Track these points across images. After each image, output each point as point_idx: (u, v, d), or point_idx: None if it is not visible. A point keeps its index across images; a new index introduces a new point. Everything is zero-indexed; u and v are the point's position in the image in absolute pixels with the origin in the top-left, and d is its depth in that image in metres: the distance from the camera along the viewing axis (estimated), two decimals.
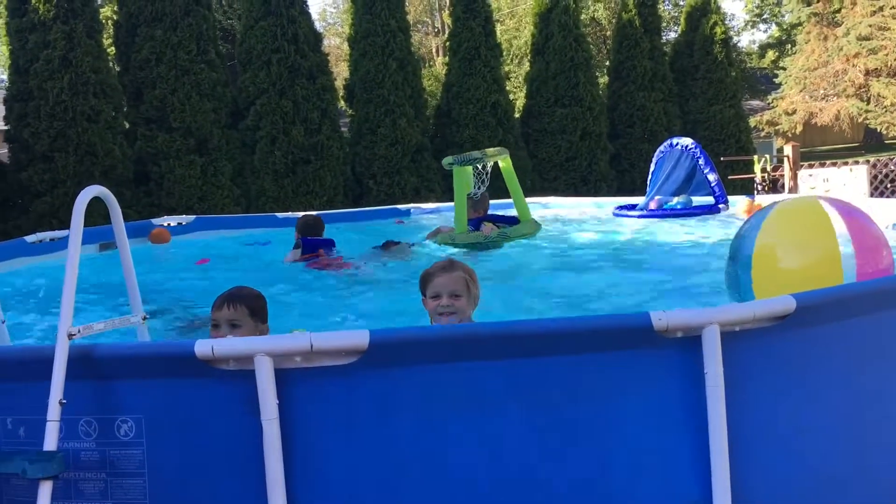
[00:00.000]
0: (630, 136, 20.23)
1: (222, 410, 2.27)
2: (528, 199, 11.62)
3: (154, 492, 2.28)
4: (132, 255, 2.85)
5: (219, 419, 2.28)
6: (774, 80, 35.14)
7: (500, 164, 8.06)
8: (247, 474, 2.23)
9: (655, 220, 8.97)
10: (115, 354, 2.34)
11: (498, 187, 8.78)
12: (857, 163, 16.07)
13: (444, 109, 18.52)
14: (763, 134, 31.53)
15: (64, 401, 2.21)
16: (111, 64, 15.59)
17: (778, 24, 41.18)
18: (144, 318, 2.82)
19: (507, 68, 25.46)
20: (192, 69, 15.35)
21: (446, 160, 8.03)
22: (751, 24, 43.19)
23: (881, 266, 3.13)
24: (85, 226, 2.49)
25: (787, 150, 16.55)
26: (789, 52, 36.28)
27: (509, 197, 8.18)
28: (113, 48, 16.49)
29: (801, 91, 31.69)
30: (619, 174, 20.07)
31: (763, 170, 16.89)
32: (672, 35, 31.43)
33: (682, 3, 33.41)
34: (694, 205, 9.22)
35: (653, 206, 9.38)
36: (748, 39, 51.66)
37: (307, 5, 16.87)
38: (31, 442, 2.30)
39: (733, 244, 3.48)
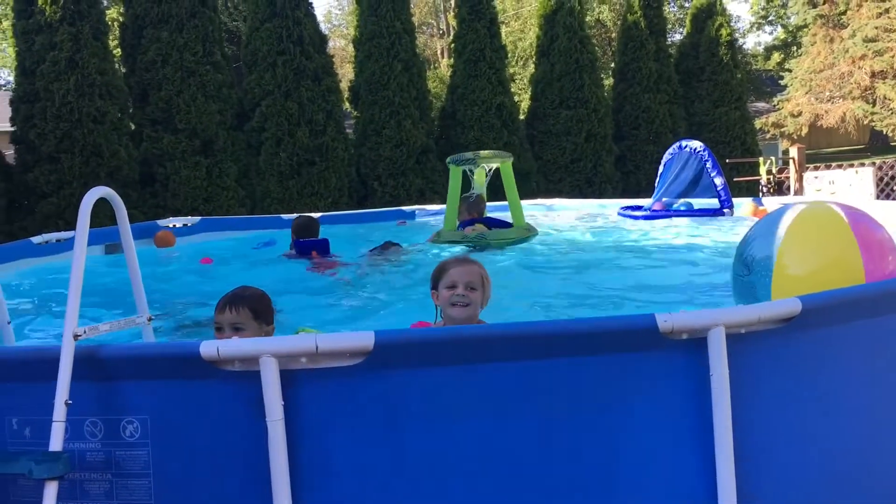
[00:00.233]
0: (635, 138, 20.21)
1: (227, 411, 2.27)
2: (532, 201, 11.66)
3: (159, 493, 2.29)
4: (137, 256, 2.85)
5: (224, 420, 2.28)
6: (780, 82, 35.09)
7: (500, 168, 8.08)
8: (252, 475, 2.23)
9: (660, 221, 8.97)
10: (120, 355, 2.34)
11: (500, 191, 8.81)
12: (862, 165, 16.04)
13: (449, 111, 18.52)
14: (768, 136, 31.48)
15: (70, 401, 2.21)
16: (117, 65, 15.63)
17: (783, 26, 41.14)
18: (150, 319, 2.82)
19: (511, 70, 25.48)
20: (197, 71, 15.38)
21: (448, 159, 8.10)
22: (756, 25, 43.14)
23: (888, 271, 3.11)
24: (90, 227, 2.49)
25: (793, 152, 16.52)
26: (795, 54, 36.22)
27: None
28: (119, 50, 16.52)
29: (806, 93, 31.64)
30: (624, 176, 20.05)
31: (768, 172, 16.85)
32: (677, 37, 31.40)
33: (687, 4, 33.40)
34: (697, 207, 9.22)
35: (658, 207, 9.38)
36: (753, 41, 51.60)
37: (312, 7, 16.90)
38: (36, 442, 2.30)
39: (745, 250, 3.42)
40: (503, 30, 20.11)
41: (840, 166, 16.22)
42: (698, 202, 9.33)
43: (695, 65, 21.39)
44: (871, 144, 35.08)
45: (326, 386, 2.24)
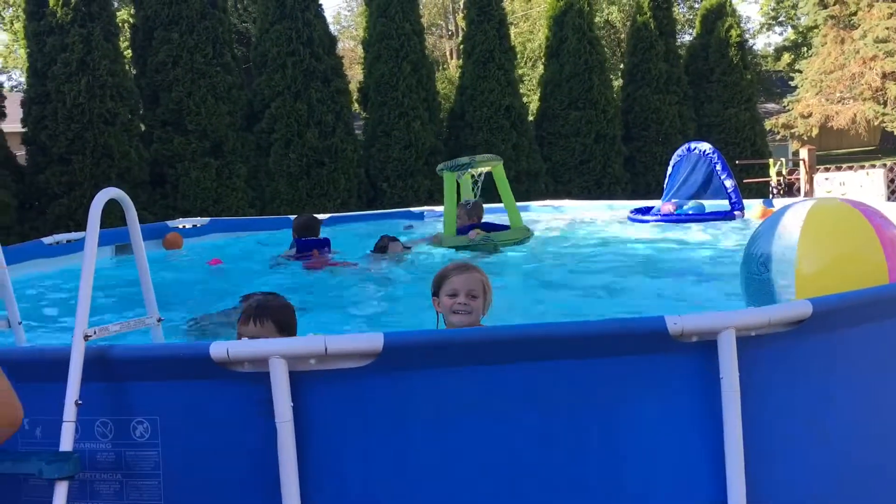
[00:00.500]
0: (644, 139, 20.17)
1: (237, 412, 2.28)
2: (541, 202, 11.65)
3: (169, 493, 2.29)
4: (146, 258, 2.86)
5: (233, 421, 2.28)
6: (790, 83, 34.94)
7: (493, 171, 8.08)
8: (261, 476, 2.23)
9: (670, 224, 8.94)
10: (130, 356, 2.35)
11: (491, 195, 8.83)
12: (873, 166, 15.96)
13: (458, 112, 18.53)
14: (778, 137, 31.36)
15: (80, 401, 2.22)
16: (128, 67, 15.69)
17: (793, 27, 40.96)
18: (159, 320, 2.83)
19: (520, 71, 25.47)
20: (207, 72, 15.44)
21: (439, 166, 8.11)
22: (766, 26, 42.98)
23: None
24: (101, 228, 2.50)
25: (803, 153, 16.46)
26: (805, 55, 36.06)
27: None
28: (129, 51, 16.60)
29: (817, 94, 31.49)
30: (633, 177, 20.02)
31: (778, 173, 16.80)
32: (687, 38, 31.32)
33: (696, 5, 33.30)
34: (708, 210, 9.19)
35: (668, 208, 9.35)
36: (763, 42, 51.44)
37: (322, 9, 16.94)
38: (47, 442, 2.31)
39: (758, 249, 3.39)
40: (512, 31, 20.09)
41: (851, 168, 16.15)
42: (709, 203, 9.30)
43: (704, 66, 21.33)
44: (882, 146, 34.88)
45: (335, 387, 2.24)
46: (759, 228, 3.58)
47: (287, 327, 2.94)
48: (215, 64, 15.59)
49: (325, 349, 2.19)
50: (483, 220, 8.15)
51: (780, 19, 42.17)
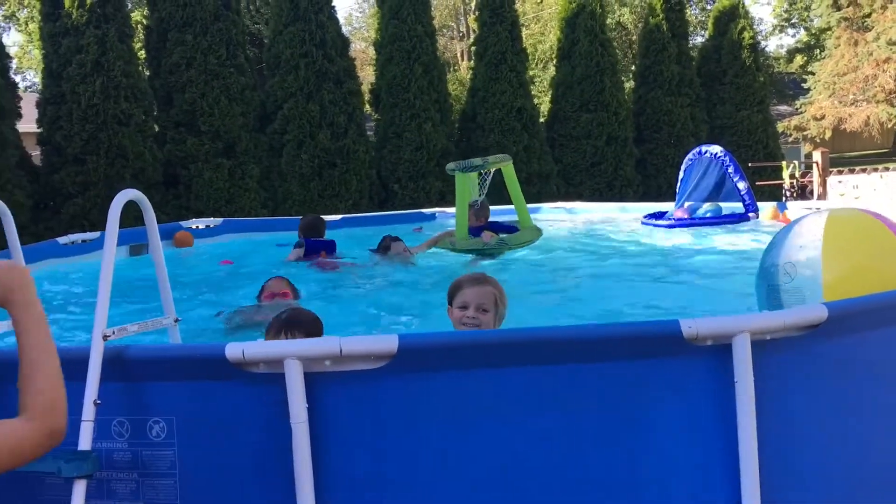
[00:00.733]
0: (656, 142, 20.12)
1: (252, 413, 2.29)
2: (553, 204, 11.65)
3: (185, 492, 2.31)
4: None
5: (249, 421, 2.30)
6: (802, 85, 34.79)
7: (503, 170, 8.07)
8: (276, 476, 2.25)
9: (684, 228, 8.92)
10: (147, 356, 2.37)
11: (498, 195, 8.80)
12: (887, 169, 15.86)
13: (470, 114, 18.54)
14: (791, 139, 31.23)
15: (98, 401, 2.25)
16: (142, 68, 15.78)
17: (806, 29, 40.78)
18: (177, 321, 2.85)
19: (531, 73, 25.44)
20: (221, 73, 15.51)
21: (449, 166, 8.09)
22: (779, 28, 42.81)
23: None
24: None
25: (816, 156, 16.39)
26: (818, 57, 35.89)
27: (508, 202, 8.21)
28: (144, 53, 16.70)
29: (830, 96, 31.34)
30: (644, 179, 19.97)
31: (791, 176, 16.72)
32: (699, 39, 31.22)
33: (709, 7, 33.20)
34: (723, 213, 9.16)
35: (681, 214, 9.33)
36: (776, 44, 51.21)
37: (335, 10, 16.99)
38: (65, 441, 2.32)
39: (780, 258, 3.37)
40: (523, 32, 20.08)
41: (864, 170, 16.06)
42: (724, 206, 9.27)
43: (717, 68, 21.26)
44: None
45: (350, 389, 2.26)
46: (778, 237, 3.57)
47: None
48: (228, 65, 15.66)
49: (340, 351, 2.20)
50: (489, 220, 8.16)
51: (792, 21, 42.00)
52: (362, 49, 35.14)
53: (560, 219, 10.82)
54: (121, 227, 2.55)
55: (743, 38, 20.96)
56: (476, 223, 7.86)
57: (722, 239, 8.08)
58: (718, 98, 21.13)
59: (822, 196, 15.24)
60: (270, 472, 2.27)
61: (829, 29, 33.61)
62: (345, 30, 18.33)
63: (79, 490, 2.18)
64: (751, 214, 8.89)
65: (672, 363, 2.27)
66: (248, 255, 8.27)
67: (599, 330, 2.30)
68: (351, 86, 16.71)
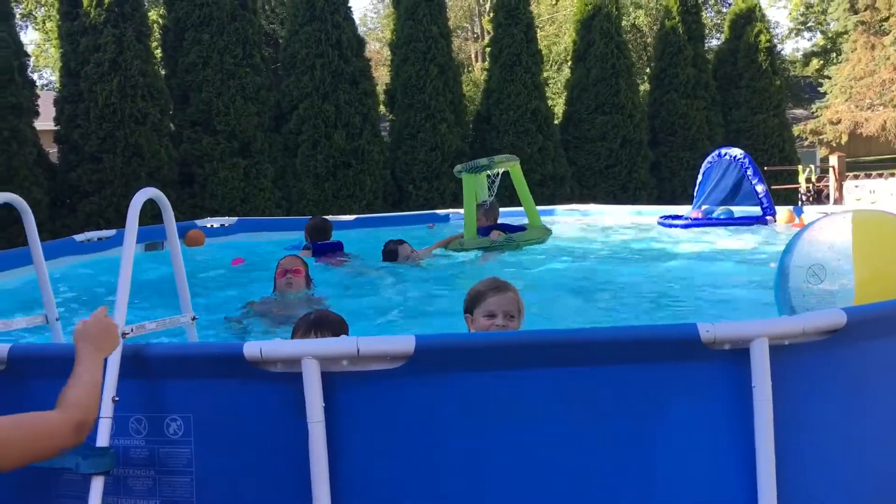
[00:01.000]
0: (671, 145, 20.05)
1: (269, 411, 2.30)
2: (567, 206, 11.63)
3: (201, 490, 2.32)
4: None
5: (265, 420, 2.31)
6: (819, 88, 34.57)
7: (510, 170, 8.06)
8: (292, 475, 2.25)
9: (701, 229, 8.89)
10: (165, 354, 2.39)
11: (511, 197, 8.80)
12: None
13: (484, 115, 18.54)
14: (807, 143, 31.04)
15: (117, 398, 2.26)
16: (158, 67, 15.86)
17: (823, 33, 40.52)
18: (194, 319, 2.87)
19: (545, 74, 25.40)
20: (237, 73, 15.57)
21: (457, 168, 8.10)
22: (795, 31, 42.56)
23: None
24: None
25: (833, 160, 16.31)
26: (834, 61, 35.66)
27: (520, 204, 8.22)
28: (160, 52, 16.78)
29: (846, 100, 31.13)
30: (659, 182, 19.90)
31: (808, 180, 16.64)
32: (715, 42, 31.09)
33: (725, 10, 33.06)
34: (738, 215, 9.13)
35: (697, 215, 9.30)
36: (792, 47, 50.88)
37: (351, 11, 17.02)
38: None
39: (805, 260, 3.34)
40: (538, 34, 20.05)
41: (881, 175, 15.95)
42: (739, 210, 9.23)
43: (733, 71, 21.17)
44: None
45: (367, 389, 2.26)
46: (797, 240, 3.53)
47: None
48: (244, 65, 15.72)
49: (358, 351, 2.21)
50: (499, 222, 8.17)
51: (809, 24, 41.73)
52: (377, 50, 35.20)
53: (574, 221, 10.80)
54: (139, 225, 2.57)
55: (759, 41, 20.86)
56: (486, 223, 7.88)
57: (740, 242, 8.05)
58: (734, 101, 21.03)
59: (839, 200, 15.15)
60: (286, 471, 2.27)
61: (846, 33, 33.39)
62: (360, 30, 18.37)
63: (96, 486, 2.19)
64: (768, 218, 8.86)
65: (689, 367, 2.26)
66: (261, 254, 8.30)
67: (617, 333, 2.30)
68: (366, 86, 16.74)
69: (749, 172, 9.03)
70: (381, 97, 17.93)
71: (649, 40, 31.31)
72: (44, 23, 32.62)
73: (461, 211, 11.41)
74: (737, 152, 9.43)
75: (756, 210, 9.06)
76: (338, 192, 16.22)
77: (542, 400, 2.25)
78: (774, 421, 2.19)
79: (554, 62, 31.49)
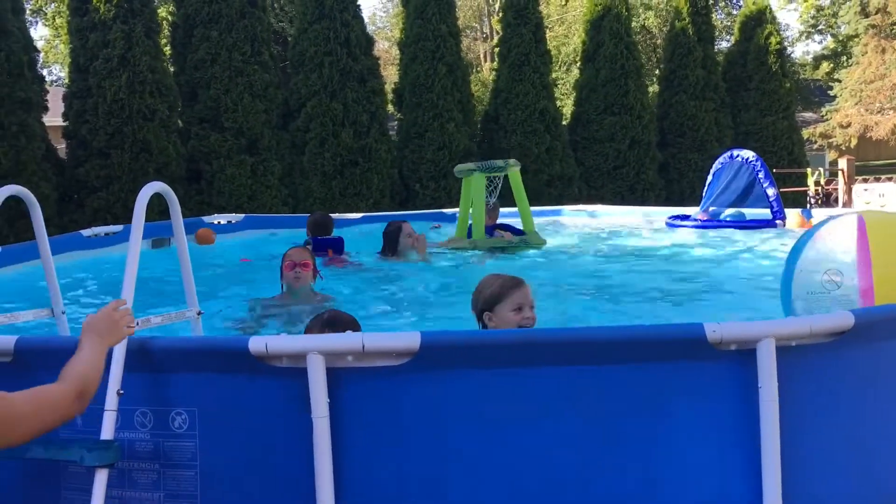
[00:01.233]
0: (680, 146, 19.99)
1: (274, 406, 2.30)
2: (574, 207, 11.62)
3: (205, 484, 2.32)
4: None
5: (270, 415, 2.31)
6: (829, 92, 34.47)
7: (510, 175, 8.07)
8: (296, 470, 2.26)
9: (710, 230, 8.87)
10: (171, 348, 2.39)
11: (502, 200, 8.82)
12: None
13: (492, 115, 18.52)
14: (816, 147, 30.95)
15: (122, 391, 2.26)
16: (167, 64, 15.89)
17: (833, 36, 40.38)
18: (199, 314, 2.87)
19: (554, 75, 25.38)
20: (245, 70, 15.59)
21: (467, 166, 8.05)
22: (805, 34, 42.42)
23: None
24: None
25: (842, 163, 16.25)
26: (845, 64, 35.54)
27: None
28: (169, 48, 16.81)
29: (856, 104, 31.03)
30: (667, 184, 19.85)
31: (817, 183, 16.58)
32: (725, 44, 31.01)
33: (735, 12, 32.97)
34: (748, 218, 9.10)
35: (704, 216, 9.27)
36: (802, 50, 50.72)
37: (360, 9, 17.02)
38: (88, 431, 2.35)
39: (821, 265, 3.32)
40: (547, 34, 20.02)
41: (890, 179, 15.89)
42: (748, 212, 9.20)
43: (743, 73, 21.10)
44: None
45: (372, 385, 2.26)
46: (805, 243, 3.50)
47: None
48: (253, 62, 15.73)
49: (363, 347, 2.21)
50: (498, 222, 8.19)
51: (819, 27, 41.59)
52: (385, 49, 35.22)
53: (582, 221, 10.79)
54: (145, 220, 2.57)
55: (769, 43, 20.78)
56: (488, 223, 7.91)
57: (749, 244, 8.02)
58: (743, 103, 20.96)
59: (848, 204, 15.10)
60: (291, 466, 2.28)
61: (857, 36, 33.29)
62: (369, 29, 18.36)
63: (100, 479, 2.20)
64: (778, 221, 8.82)
65: (696, 367, 2.25)
66: (268, 251, 8.31)
67: (623, 332, 2.29)
68: (374, 85, 16.74)
69: (761, 175, 8.99)
70: (390, 96, 17.93)
71: (659, 42, 31.25)
72: (53, 19, 32.74)
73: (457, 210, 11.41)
74: (749, 154, 9.39)
75: (765, 213, 9.02)
76: (345, 190, 16.22)
77: (548, 398, 2.25)
78: (780, 422, 2.18)
79: (563, 63, 31.46)
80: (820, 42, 42.81)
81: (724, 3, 37.66)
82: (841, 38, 38.30)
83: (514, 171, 8.02)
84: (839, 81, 33.29)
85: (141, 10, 14.76)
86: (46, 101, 14.60)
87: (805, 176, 18.10)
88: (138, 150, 14.48)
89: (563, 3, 34.62)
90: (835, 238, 3.34)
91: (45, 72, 26.30)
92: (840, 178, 16.10)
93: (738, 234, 8.64)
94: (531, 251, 7.76)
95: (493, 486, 2.24)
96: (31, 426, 1.79)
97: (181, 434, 2.34)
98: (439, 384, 2.26)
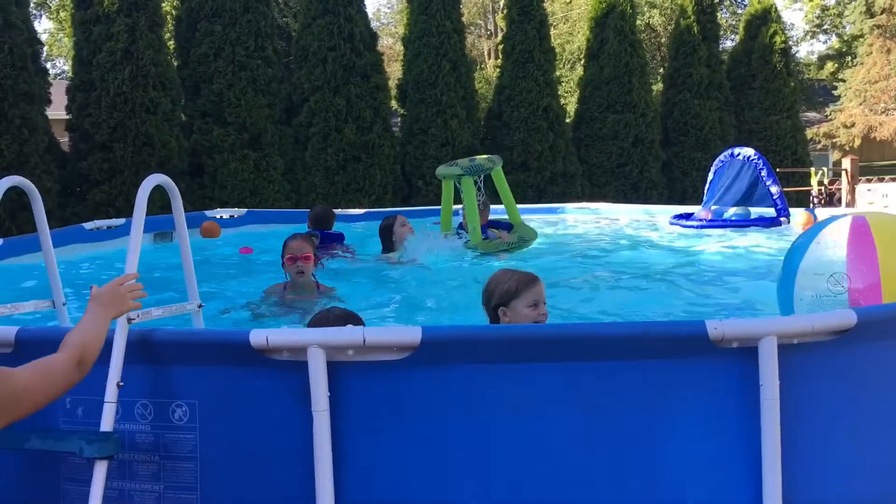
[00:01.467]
0: (683, 145, 19.96)
1: (274, 399, 2.30)
2: (578, 205, 11.60)
3: (205, 476, 2.32)
4: None
5: (270, 408, 2.31)
6: (833, 91, 34.39)
7: (493, 174, 8.01)
8: (296, 463, 2.25)
9: (713, 229, 8.84)
10: (172, 340, 2.39)
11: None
12: None
13: (496, 112, 18.50)
14: (819, 146, 30.88)
15: (122, 383, 2.26)
16: (170, 58, 15.88)
17: (838, 36, 40.27)
18: (200, 306, 2.86)
19: (558, 72, 25.37)
20: (249, 65, 15.58)
21: (451, 171, 7.87)
22: (810, 34, 42.32)
23: None
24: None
25: (846, 163, 16.22)
26: (849, 64, 35.45)
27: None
28: (173, 42, 16.80)
29: (860, 104, 30.95)
30: (670, 182, 19.83)
31: (820, 183, 16.55)
32: (729, 44, 30.93)
33: (740, 11, 32.91)
34: (752, 216, 9.06)
35: (706, 215, 9.23)
36: (806, 50, 50.60)
37: (364, 5, 17.00)
38: (88, 422, 2.36)
39: (825, 267, 3.30)
40: (551, 32, 19.99)
41: (894, 179, 15.86)
42: (752, 211, 9.16)
43: (747, 72, 21.06)
44: None
45: (372, 379, 2.26)
46: (805, 245, 3.47)
47: None
48: (256, 57, 15.72)
49: (364, 341, 2.20)
50: (489, 220, 8.15)
51: (824, 27, 41.48)
52: (389, 45, 35.19)
53: (584, 219, 10.78)
54: (146, 214, 2.56)
55: (774, 42, 20.74)
56: (481, 222, 7.87)
57: (752, 242, 8.01)
58: (747, 102, 20.93)
59: (851, 204, 15.08)
60: (290, 460, 2.27)
61: (862, 36, 33.18)
62: (373, 25, 18.34)
63: (100, 471, 2.19)
64: (782, 219, 8.78)
65: (697, 364, 2.25)
66: (269, 244, 8.31)
67: (624, 328, 2.29)
68: (378, 80, 16.72)
69: (763, 173, 8.95)
70: (393, 92, 17.92)
71: (663, 40, 31.20)
72: (58, 12, 32.75)
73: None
74: (750, 152, 9.34)
75: (769, 211, 8.99)
76: (347, 185, 16.22)
77: (549, 394, 2.24)
78: (781, 419, 2.18)
79: (567, 60, 31.42)
80: (825, 42, 42.74)
81: (729, 1, 37.57)
82: (846, 38, 38.19)
83: (497, 170, 7.97)
84: (843, 81, 33.19)
85: (144, 4, 14.75)
86: (50, 93, 14.60)
87: (808, 175, 18.06)
88: (141, 144, 14.48)
89: (568, 0, 34.55)
90: (838, 240, 3.32)
91: (48, 65, 26.31)
92: (843, 178, 16.06)
93: (742, 232, 8.62)
94: (529, 247, 7.72)
95: (494, 481, 2.23)
96: (37, 398, 1.83)
97: (181, 426, 2.34)
98: (440, 379, 2.26)
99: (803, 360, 2.27)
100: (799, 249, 3.54)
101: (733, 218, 9.09)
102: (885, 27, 31.38)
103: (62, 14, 30.15)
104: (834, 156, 30.88)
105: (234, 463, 2.32)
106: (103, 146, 14.48)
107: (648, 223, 10.11)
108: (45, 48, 20.29)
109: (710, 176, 9.85)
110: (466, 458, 2.24)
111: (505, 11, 19.38)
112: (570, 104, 22.49)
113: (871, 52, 31.60)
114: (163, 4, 17.11)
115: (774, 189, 8.85)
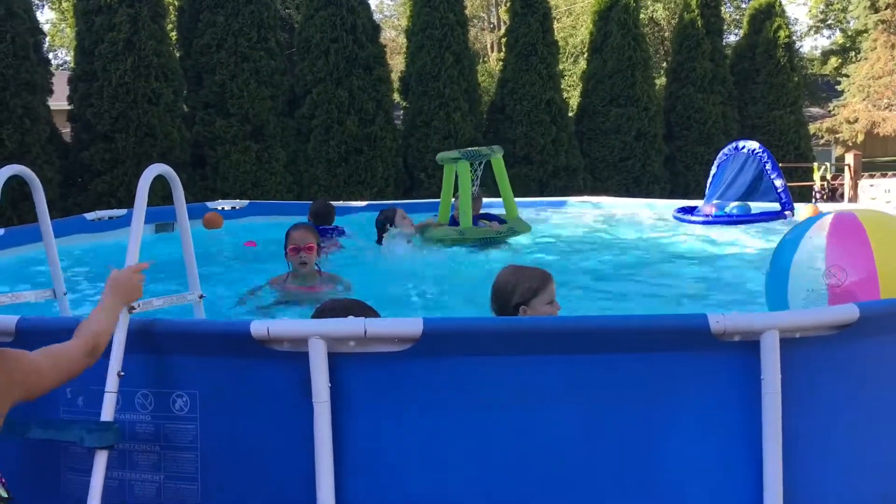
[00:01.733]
0: (686, 139, 19.92)
1: (275, 390, 2.30)
2: (580, 198, 11.58)
3: (205, 466, 2.32)
4: None
5: (271, 399, 2.31)
6: (836, 87, 34.30)
7: (492, 161, 7.99)
8: (296, 454, 2.25)
9: (717, 224, 8.80)
10: (173, 330, 2.39)
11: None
12: None
13: (499, 105, 18.46)
14: (822, 142, 30.82)
15: (122, 373, 2.26)
16: (173, 48, 15.85)
17: (842, 31, 40.15)
18: (201, 297, 2.86)
19: (561, 66, 25.31)
20: (251, 56, 15.55)
21: (450, 154, 7.88)
22: (814, 29, 42.17)
23: None
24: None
25: (849, 159, 16.19)
26: (853, 60, 35.34)
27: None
28: (175, 33, 16.77)
29: (864, 99, 30.88)
30: (673, 176, 19.80)
31: (822, 178, 16.52)
32: (733, 38, 30.85)
33: (744, 5, 32.80)
34: (753, 211, 9.01)
35: (709, 209, 9.19)
36: (810, 45, 50.49)
37: None
38: (89, 412, 2.36)
39: (818, 261, 3.29)
40: (555, 25, 19.94)
41: None
42: (756, 205, 9.11)
43: (750, 66, 21.00)
44: None
45: (373, 370, 2.26)
46: (796, 240, 3.45)
47: None
48: (259, 48, 15.69)
49: (365, 332, 2.20)
50: (481, 212, 8.13)
51: (828, 22, 41.34)
52: (392, 38, 35.12)
53: (586, 212, 10.77)
54: (147, 205, 2.56)
55: (778, 37, 20.67)
56: (473, 213, 7.86)
57: (755, 236, 7.99)
58: (751, 97, 20.88)
59: (854, 199, 15.06)
60: (291, 450, 2.27)
61: (866, 31, 33.08)
62: (375, 17, 18.29)
63: (100, 460, 2.19)
64: (787, 213, 8.73)
65: (698, 358, 2.25)
66: (272, 237, 8.30)
67: (626, 321, 2.28)
68: (380, 72, 16.69)
69: (768, 166, 8.89)
70: (396, 84, 17.88)
71: (667, 34, 31.12)
72: (60, 2, 32.68)
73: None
74: (754, 145, 9.26)
75: (774, 205, 8.94)
76: (349, 178, 16.20)
77: (550, 386, 2.24)
78: (783, 413, 2.17)
79: (570, 54, 31.36)
80: (829, 37, 42.57)
81: None
82: (850, 33, 38.08)
83: (497, 158, 7.94)
84: (847, 76, 33.12)
85: None
86: (52, 83, 14.58)
87: (811, 170, 18.02)
88: (143, 135, 14.46)
89: None
90: (831, 234, 3.31)
91: (51, 55, 26.27)
92: (846, 174, 16.04)
93: (745, 226, 8.59)
94: (520, 239, 7.69)
95: (495, 473, 2.23)
96: (45, 382, 1.95)
97: (182, 416, 2.34)
98: (441, 371, 2.26)
99: (805, 354, 2.26)
100: (790, 244, 3.52)
101: (734, 212, 9.03)
102: (890, 22, 31.28)
103: (64, 4, 30.08)
104: (837, 151, 30.84)
105: (234, 453, 2.32)
106: (105, 136, 14.46)
107: (651, 217, 10.09)
108: (48, 38, 20.27)
109: (714, 169, 9.80)
110: (467, 449, 2.24)
111: (508, 4, 19.31)
112: (573, 98, 22.43)
113: (875, 48, 31.51)
114: None
115: (779, 182, 8.78)
